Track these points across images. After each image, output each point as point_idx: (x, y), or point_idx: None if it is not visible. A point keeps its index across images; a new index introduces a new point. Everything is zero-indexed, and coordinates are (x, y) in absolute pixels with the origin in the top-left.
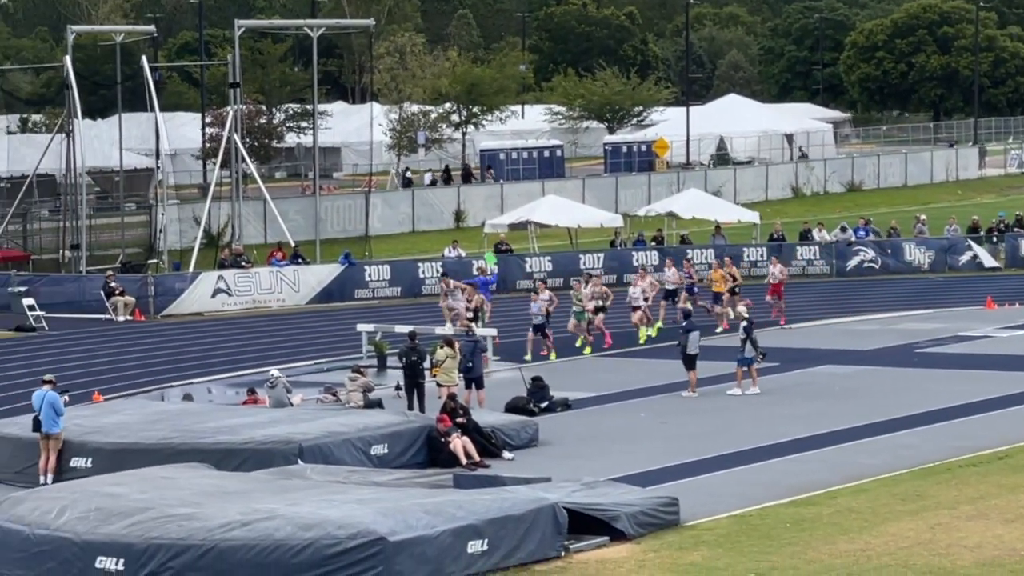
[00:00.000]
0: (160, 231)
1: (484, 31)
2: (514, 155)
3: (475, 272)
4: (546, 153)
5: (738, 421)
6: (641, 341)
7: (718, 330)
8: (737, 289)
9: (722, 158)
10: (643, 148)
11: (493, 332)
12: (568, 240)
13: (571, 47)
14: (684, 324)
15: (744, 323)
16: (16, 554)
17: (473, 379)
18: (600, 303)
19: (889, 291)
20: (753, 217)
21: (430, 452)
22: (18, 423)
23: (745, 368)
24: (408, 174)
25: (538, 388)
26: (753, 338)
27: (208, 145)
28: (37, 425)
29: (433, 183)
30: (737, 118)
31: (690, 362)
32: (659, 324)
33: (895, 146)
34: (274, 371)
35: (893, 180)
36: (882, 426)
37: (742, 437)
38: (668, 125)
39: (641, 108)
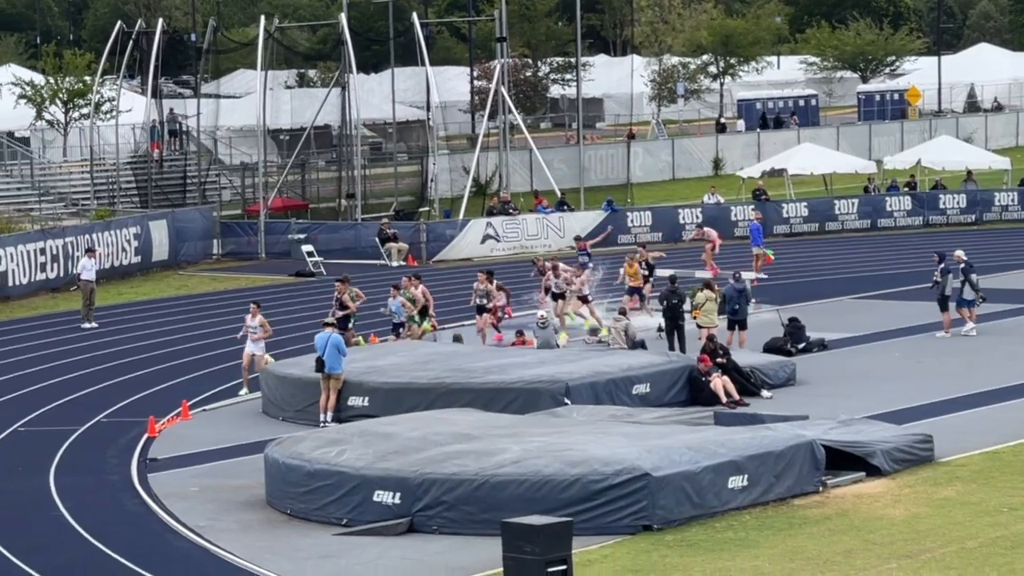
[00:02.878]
0: (431, 180)
1: None
2: (770, 104)
3: (752, 219)
4: (801, 102)
5: (991, 361)
6: (586, 327)
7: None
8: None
9: (973, 106)
10: (895, 97)
11: (752, 276)
12: (823, 186)
13: None
14: (941, 267)
15: (963, 265)
16: (297, 489)
17: (738, 321)
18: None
19: None
20: (1004, 163)
21: (691, 391)
22: (299, 364)
23: (966, 309)
24: (723, 120)
25: (795, 329)
26: (972, 280)
27: (476, 97)
28: (320, 365)
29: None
30: (987, 67)
31: (945, 303)
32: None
33: None
34: (542, 312)
35: None
36: None
37: (995, 376)
38: (920, 74)
39: (893, 58)
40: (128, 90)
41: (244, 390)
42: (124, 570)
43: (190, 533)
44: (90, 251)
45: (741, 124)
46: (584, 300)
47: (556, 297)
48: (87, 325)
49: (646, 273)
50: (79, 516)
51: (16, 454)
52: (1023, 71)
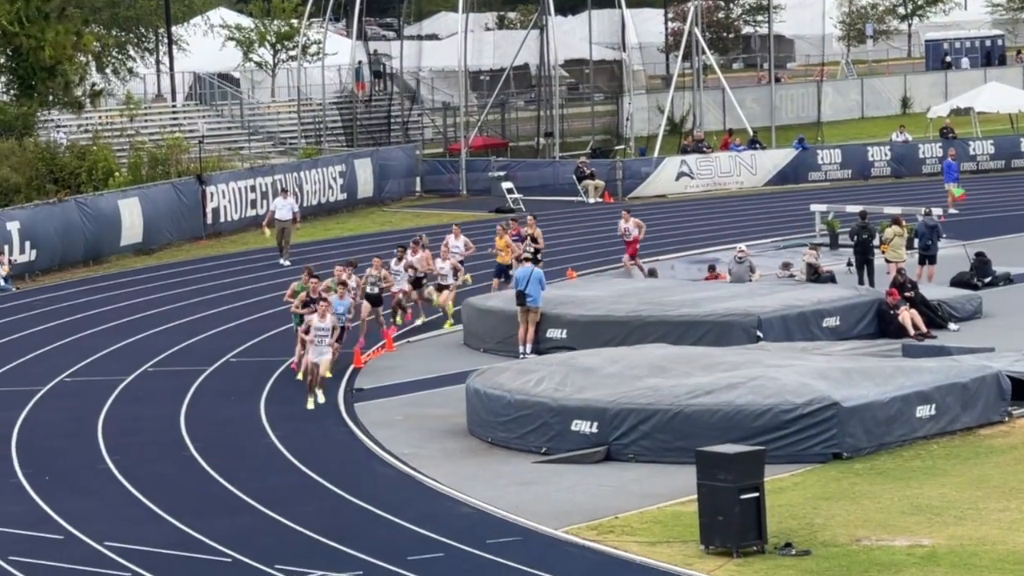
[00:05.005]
0: (627, 119)
1: None
2: (957, 45)
3: (949, 159)
4: (987, 42)
5: None
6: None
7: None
8: (540, 256)
9: None
10: None
11: (939, 211)
12: (1009, 124)
13: None
14: None
15: None
16: (497, 418)
17: (928, 256)
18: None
19: None
20: None
21: (880, 324)
22: (499, 296)
23: None
24: (947, 59)
25: (981, 263)
26: None
27: (671, 39)
28: (521, 298)
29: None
30: None
31: None
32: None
33: None
34: (741, 246)
35: None
36: None
37: None
38: None
39: None
40: (334, 32)
41: (310, 403)
42: (332, 495)
43: (395, 460)
44: (284, 191)
45: (966, 62)
46: (440, 289)
47: (411, 282)
48: (284, 261)
49: (531, 250)
50: (289, 443)
51: (229, 383)
52: None
